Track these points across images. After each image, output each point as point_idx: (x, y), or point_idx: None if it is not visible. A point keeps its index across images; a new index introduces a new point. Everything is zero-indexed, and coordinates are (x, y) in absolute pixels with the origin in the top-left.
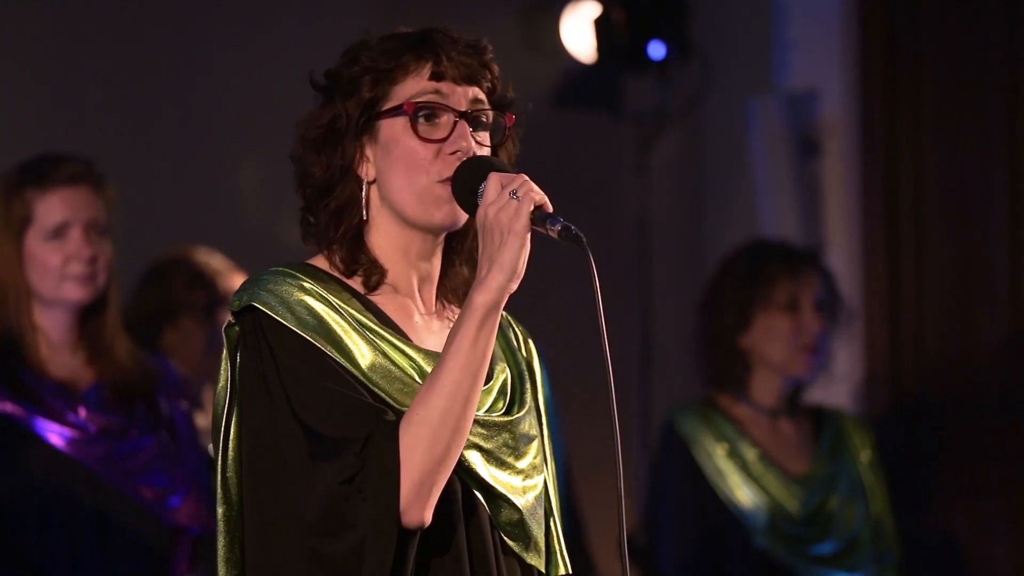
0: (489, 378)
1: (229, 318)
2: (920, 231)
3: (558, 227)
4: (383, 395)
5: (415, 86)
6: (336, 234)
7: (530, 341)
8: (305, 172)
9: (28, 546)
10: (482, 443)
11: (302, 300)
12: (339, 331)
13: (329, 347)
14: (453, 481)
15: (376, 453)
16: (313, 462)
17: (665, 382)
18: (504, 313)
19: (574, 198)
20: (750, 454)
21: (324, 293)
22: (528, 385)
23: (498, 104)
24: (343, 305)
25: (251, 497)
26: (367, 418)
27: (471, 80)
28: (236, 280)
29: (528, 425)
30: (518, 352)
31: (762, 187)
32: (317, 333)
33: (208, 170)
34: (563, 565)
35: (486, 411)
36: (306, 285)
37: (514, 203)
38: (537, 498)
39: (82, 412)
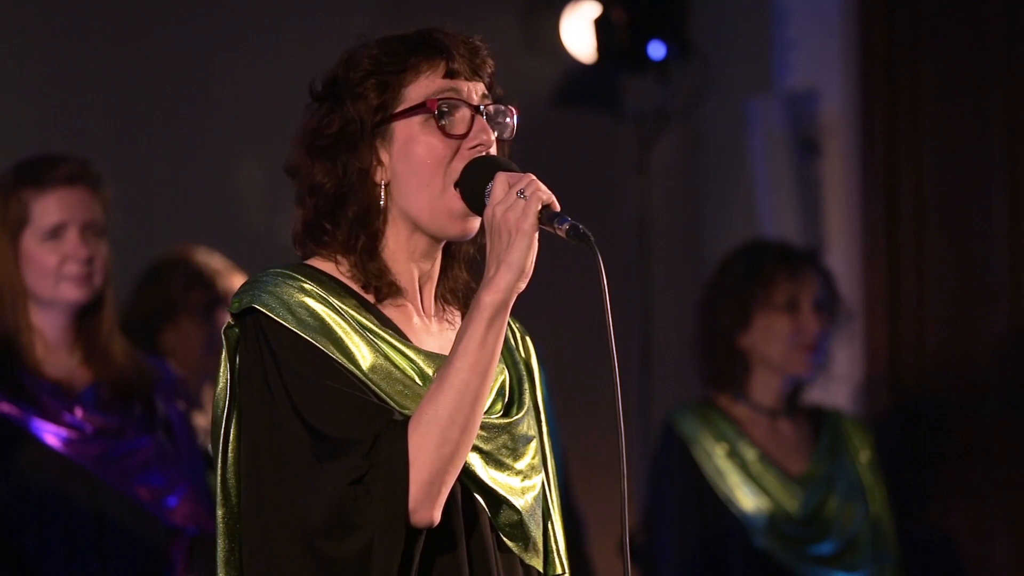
0: None
1: (228, 319)
2: (920, 231)
3: (566, 226)
4: (384, 396)
5: (430, 85)
6: (360, 241)
7: (527, 339)
8: (314, 183)
9: (25, 546)
10: (481, 445)
11: (302, 301)
12: (340, 332)
13: (331, 348)
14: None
15: (385, 453)
16: (319, 463)
17: (665, 382)
18: None
19: (574, 198)
20: (749, 454)
21: (324, 295)
22: (527, 385)
23: (497, 100)
24: (343, 307)
25: (252, 499)
26: (373, 418)
27: (477, 75)
28: (235, 280)
29: (527, 426)
30: (516, 352)
31: (762, 187)
32: (318, 334)
33: (208, 170)
34: (560, 565)
35: (485, 412)
36: (306, 287)
37: (521, 202)
38: (535, 499)
39: (78, 412)
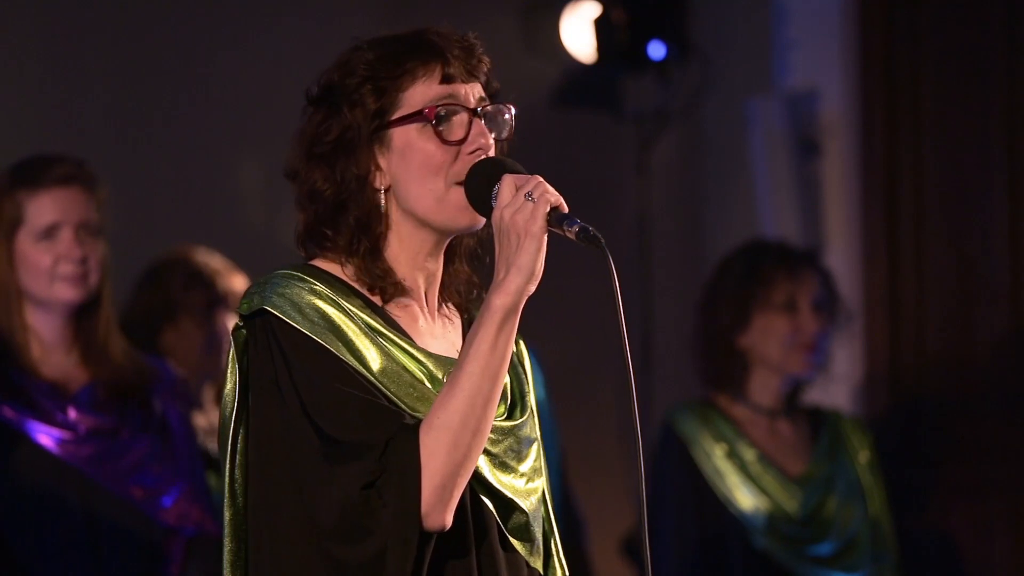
0: None
1: (237, 321)
2: (920, 231)
3: (575, 228)
4: (394, 399)
5: (427, 91)
6: (363, 246)
7: (521, 343)
8: (313, 189)
9: (17, 548)
10: (489, 447)
11: (312, 303)
12: (350, 334)
13: (341, 350)
14: None
15: (397, 458)
16: (330, 467)
17: (665, 382)
18: None
19: (574, 198)
20: (749, 454)
21: (334, 296)
22: (527, 388)
23: (493, 96)
24: (352, 308)
25: (261, 501)
26: (384, 422)
27: (473, 76)
28: (235, 280)
29: (529, 428)
30: (513, 354)
31: (762, 187)
32: (328, 336)
33: (208, 170)
34: (561, 569)
35: None
36: (316, 288)
37: (530, 205)
38: (539, 500)
39: (72, 413)
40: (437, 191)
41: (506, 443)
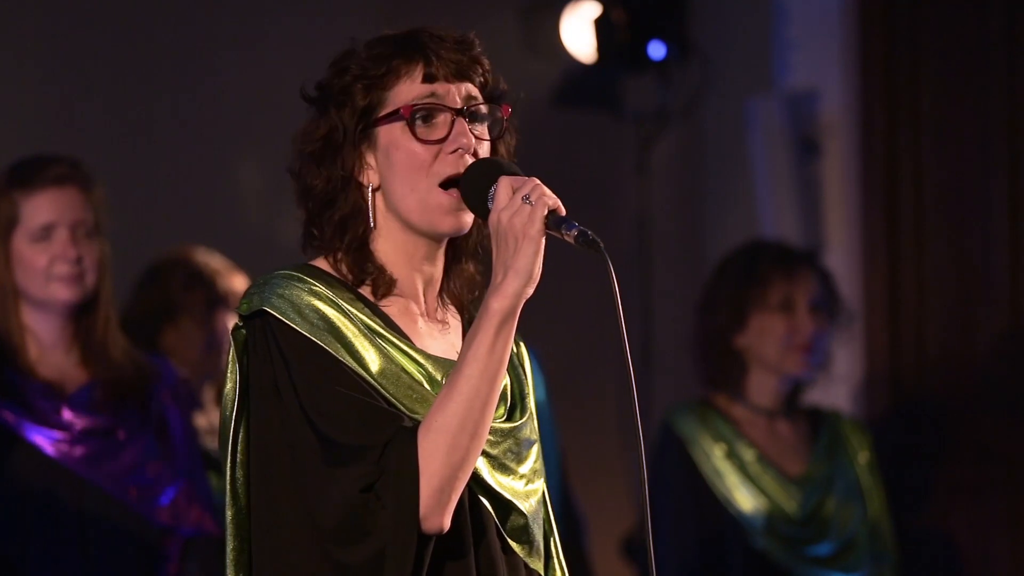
0: None
1: (236, 321)
2: (920, 231)
3: (574, 232)
4: (393, 400)
5: (409, 89)
6: (342, 244)
7: (521, 344)
8: (306, 186)
9: (10, 548)
10: (488, 449)
11: (312, 304)
12: (349, 335)
13: (340, 351)
14: None
15: (395, 460)
16: (329, 469)
17: (665, 382)
18: None
19: (574, 198)
20: (748, 455)
21: (333, 297)
22: (527, 390)
23: (491, 97)
24: (351, 309)
25: (262, 501)
26: (383, 424)
27: (463, 76)
28: (235, 280)
29: (529, 430)
30: (513, 356)
31: (762, 187)
32: (328, 337)
33: (208, 170)
34: (561, 570)
35: None
36: (315, 288)
37: (527, 208)
38: (538, 502)
39: (66, 413)
40: (419, 190)
41: (505, 445)
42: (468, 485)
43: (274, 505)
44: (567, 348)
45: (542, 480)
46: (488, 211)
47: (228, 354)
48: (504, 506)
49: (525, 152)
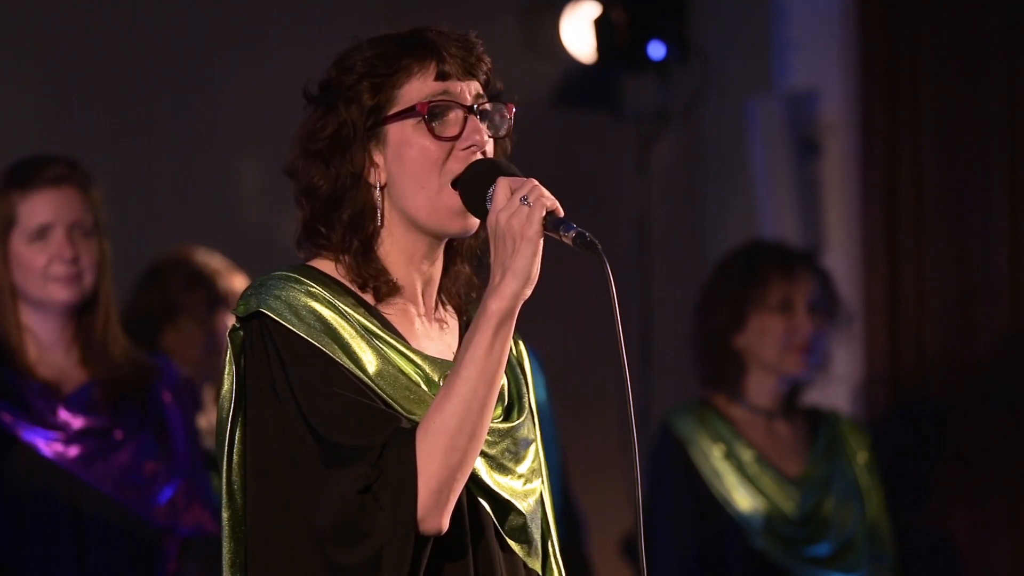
0: None
1: (233, 322)
2: (920, 231)
3: (572, 234)
4: (390, 401)
5: (422, 87)
6: (354, 243)
7: (520, 343)
8: (310, 185)
9: (7, 549)
10: (486, 449)
11: (309, 305)
12: (346, 337)
13: (338, 353)
14: None
15: (393, 462)
16: (326, 470)
17: (665, 382)
18: None
19: (574, 198)
20: (746, 455)
21: (330, 298)
22: (525, 389)
23: (494, 95)
24: (348, 311)
25: (259, 503)
26: (381, 426)
27: (471, 74)
28: (235, 280)
29: (527, 430)
30: (511, 355)
31: (762, 187)
32: (325, 339)
33: (208, 170)
34: (558, 570)
35: None
36: (313, 290)
37: (525, 209)
38: (537, 501)
39: (62, 413)
40: (430, 189)
41: (503, 445)
42: (466, 485)
43: (270, 506)
44: (567, 349)
45: (540, 480)
46: (486, 212)
47: (226, 355)
48: (503, 506)
49: (525, 152)
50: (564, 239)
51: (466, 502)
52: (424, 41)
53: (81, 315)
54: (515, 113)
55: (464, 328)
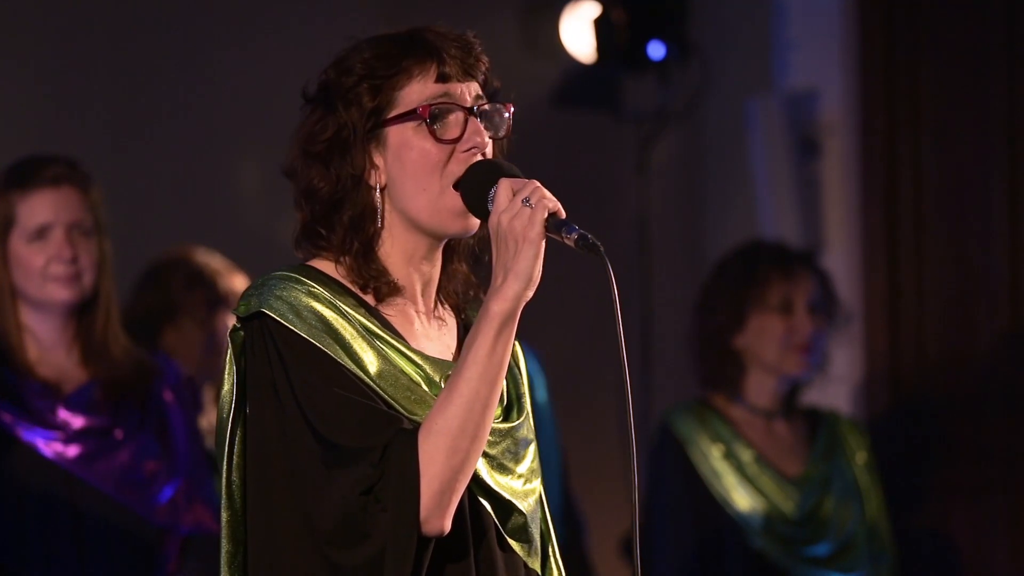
0: None
1: (234, 322)
2: (920, 231)
3: (574, 235)
4: (392, 402)
5: (422, 89)
6: (355, 245)
7: (517, 344)
8: (310, 187)
9: (7, 549)
10: (487, 449)
11: (310, 305)
12: (348, 337)
13: (339, 353)
14: None
15: (396, 463)
16: (328, 471)
17: (664, 382)
18: None
19: (574, 198)
20: (745, 455)
21: (331, 298)
22: (523, 389)
23: (491, 94)
24: (349, 311)
25: (259, 503)
26: (383, 426)
27: (470, 75)
28: (235, 280)
29: (526, 430)
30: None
31: (762, 187)
32: (326, 339)
33: (208, 170)
34: (558, 569)
35: None
36: (314, 290)
37: (527, 210)
38: (536, 501)
39: (62, 413)
40: (432, 191)
41: (503, 445)
42: (468, 486)
43: (270, 507)
44: (567, 349)
45: (539, 480)
46: (488, 213)
47: (226, 355)
48: (504, 506)
49: (525, 152)
50: (566, 241)
51: (467, 502)
52: (423, 42)
53: (81, 315)
54: (514, 113)
55: (462, 327)
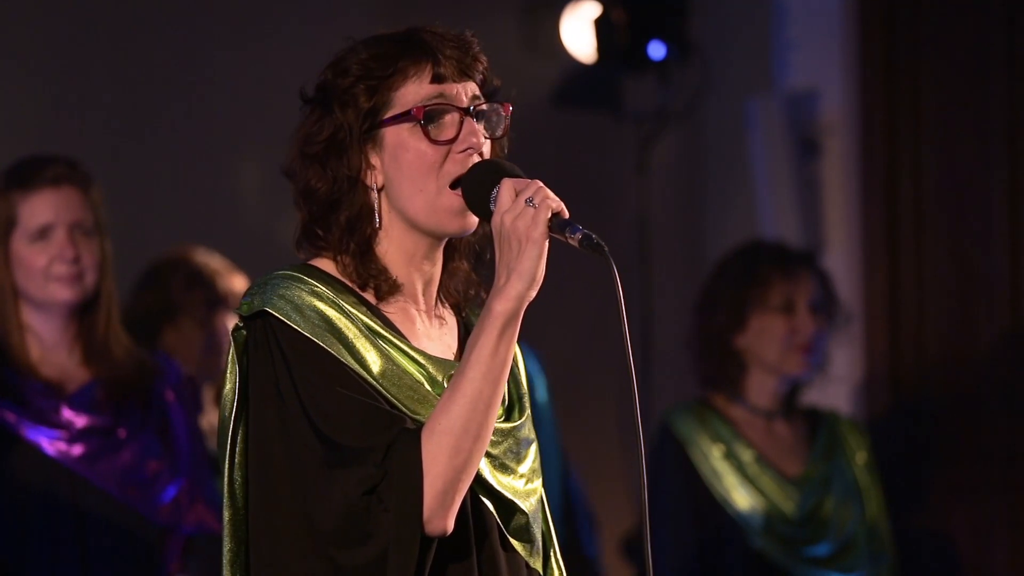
0: None
1: (237, 321)
2: (920, 231)
3: (578, 236)
4: (395, 402)
5: (418, 90)
6: (351, 245)
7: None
8: (308, 187)
9: (9, 548)
10: (489, 449)
11: (313, 305)
12: (350, 336)
13: (342, 352)
14: None
15: (398, 463)
16: (330, 471)
17: (665, 382)
18: None
19: (574, 198)
20: (746, 455)
21: (333, 297)
22: (524, 389)
23: (490, 95)
24: (351, 310)
25: (261, 502)
26: (386, 426)
27: (466, 75)
28: (235, 280)
29: (527, 430)
30: None
31: (762, 187)
32: (329, 338)
33: (208, 170)
34: (558, 568)
35: None
36: (316, 289)
37: (531, 210)
38: (538, 501)
39: (65, 412)
40: (428, 191)
41: (505, 444)
42: (470, 486)
43: (272, 507)
44: (568, 349)
45: (540, 480)
46: (490, 213)
47: (228, 355)
48: (506, 506)
49: (525, 152)
50: (570, 241)
51: (470, 502)
52: (419, 43)
53: (83, 315)
54: (513, 113)
55: (463, 327)
